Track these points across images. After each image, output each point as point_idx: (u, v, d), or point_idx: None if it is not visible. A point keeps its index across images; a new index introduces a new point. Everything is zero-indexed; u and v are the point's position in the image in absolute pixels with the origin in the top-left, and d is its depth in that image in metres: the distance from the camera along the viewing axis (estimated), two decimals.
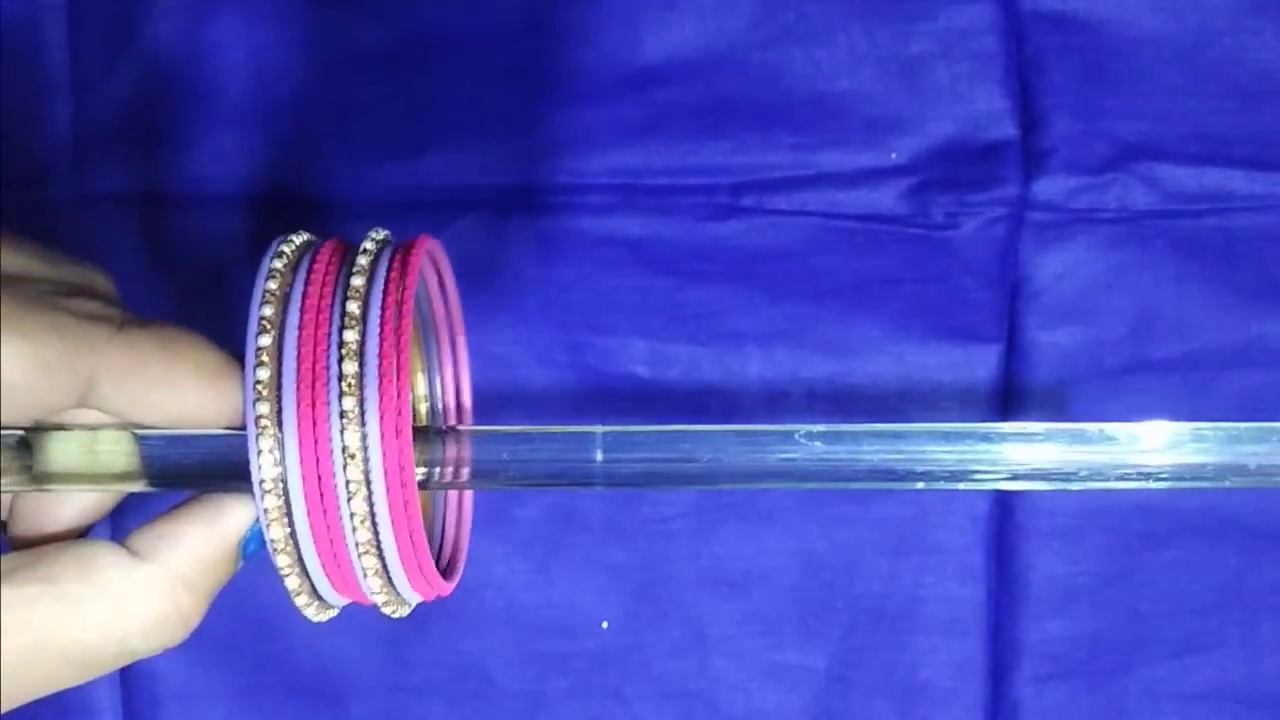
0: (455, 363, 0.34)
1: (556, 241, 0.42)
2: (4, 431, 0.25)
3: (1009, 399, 0.42)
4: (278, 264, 0.26)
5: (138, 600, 0.24)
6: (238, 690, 0.42)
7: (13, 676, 0.23)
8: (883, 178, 0.42)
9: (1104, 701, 0.42)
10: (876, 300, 0.42)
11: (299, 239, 0.27)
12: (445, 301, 0.33)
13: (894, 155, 0.42)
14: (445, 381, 0.34)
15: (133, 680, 0.42)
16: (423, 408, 0.34)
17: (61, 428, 0.25)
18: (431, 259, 0.31)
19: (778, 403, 0.42)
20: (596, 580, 0.43)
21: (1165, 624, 0.42)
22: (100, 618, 0.24)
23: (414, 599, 0.28)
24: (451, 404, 0.34)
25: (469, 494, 0.33)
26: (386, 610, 0.27)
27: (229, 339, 0.42)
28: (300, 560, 0.25)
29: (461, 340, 0.34)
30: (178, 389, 0.25)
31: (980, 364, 0.42)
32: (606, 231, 0.42)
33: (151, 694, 0.42)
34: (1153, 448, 0.26)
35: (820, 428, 0.26)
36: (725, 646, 0.43)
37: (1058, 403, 0.42)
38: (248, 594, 0.41)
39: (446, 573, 0.31)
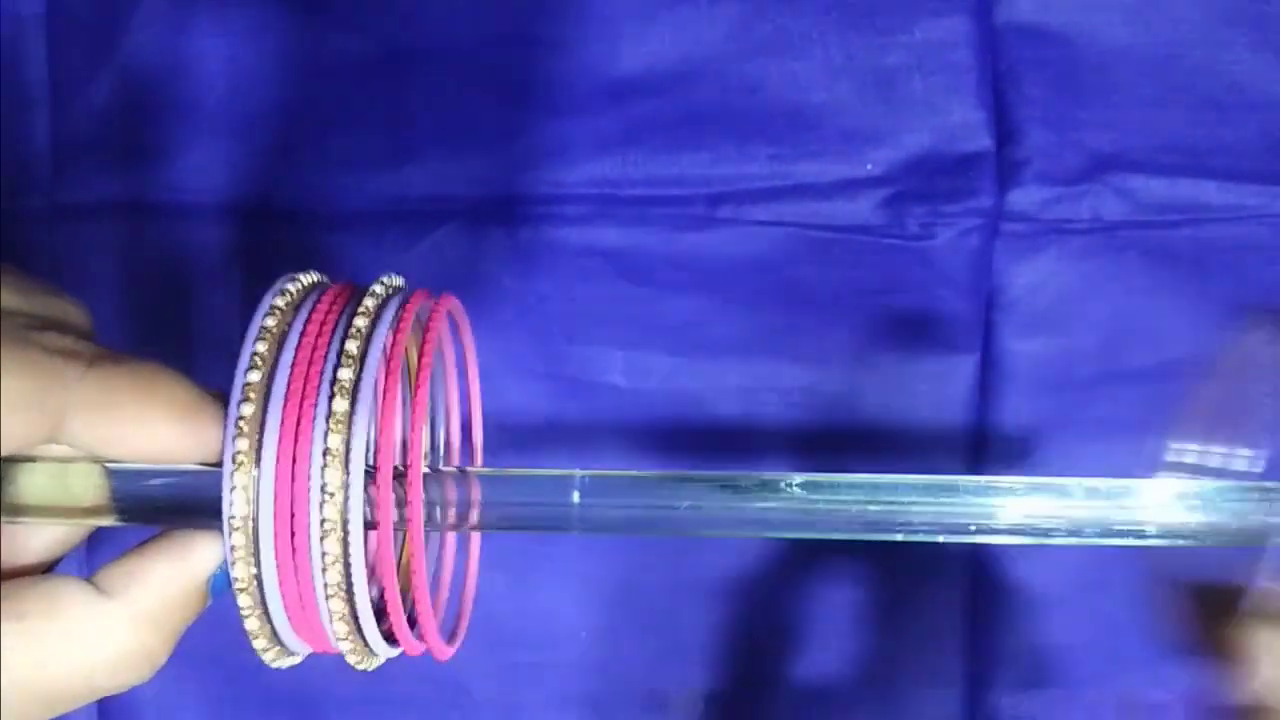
0: (461, 407, 0.33)
1: (535, 251, 0.42)
2: None
3: (984, 408, 0.42)
4: (279, 301, 0.26)
5: (104, 638, 0.24)
6: (213, 701, 0.42)
7: None
8: (859, 189, 0.42)
9: (1080, 710, 0.43)
10: (852, 310, 0.42)
11: (306, 279, 0.27)
12: (458, 348, 0.32)
13: (870, 167, 0.42)
14: (450, 425, 0.33)
15: None
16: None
17: (31, 459, 0.25)
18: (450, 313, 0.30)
19: (754, 412, 0.42)
20: (574, 590, 0.43)
21: (1141, 633, 0.42)
22: (66, 656, 0.24)
23: (382, 650, 0.27)
24: (456, 445, 0.33)
25: (475, 554, 0.33)
26: (352, 660, 0.27)
27: (204, 349, 0.42)
28: (263, 601, 0.25)
29: (474, 386, 0.33)
30: (150, 426, 0.24)
31: (955, 373, 0.42)
32: (585, 242, 0.42)
33: (127, 704, 0.42)
34: (1138, 505, 0.26)
35: (800, 477, 0.26)
36: (703, 655, 0.43)
37: (1032, 412, 0.42)
38: (223, 606, 0.40)
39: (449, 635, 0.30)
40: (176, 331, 0.43)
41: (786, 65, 0.42)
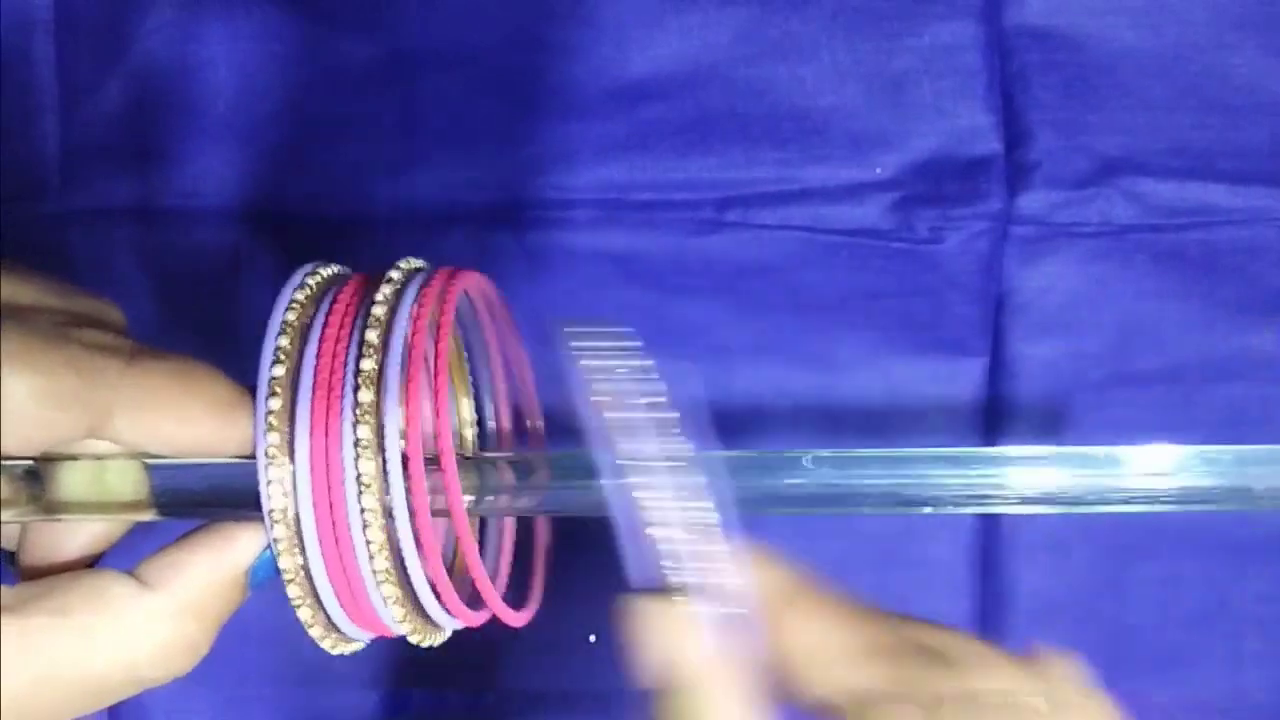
0: (510, 388, 0.33)
1: (543, 256, 0.42)
2: (14, 462, 0.25)
3: (994, 412, 0.42)
4: (299, 295, 0.26)
5: (146, 630, 0.24)
6: (223, 702, 0.42)
7: (24, 707, 0.23)
8: (867, 193, 0.42)
9: None
10: (861, 314, 0.42)
11: (326, 271, 0.27)
12: (496, 327, 0.32)
13: (878, 170, 0.42)
14: (499, 407, 0.33)
15: None
16: (468, 432, 0.33)
17: (71, 457, 0.25)
18: (473, 290, 0.30)
19: (763, 416, 0.42)
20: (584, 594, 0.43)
21: (1150, 637, 0.42)
22: (110, 648, 0.24)
23: (448, 623, 0.27)
24: (506, 428, 0.33)
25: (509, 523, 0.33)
26: (415, 639, 0.27)
27: (216, 353, 0.42)
28: (314, 591, 0.25)
29: (522, 365, 0.33)
30: (189, 421, 0.25)
31: (965, 377, 0.42)
32: (592, 246, 0.42)
33: (136, 706, 0.42)
34: (1159, 471, 0.26)
35: (827, 453, 0.26)
36: None
37: (1042, 415, 0.42)
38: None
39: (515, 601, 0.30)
40: (185, 336, 0.43)
41: (794, 69, 0.42)
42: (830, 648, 0.27)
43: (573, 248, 0.42)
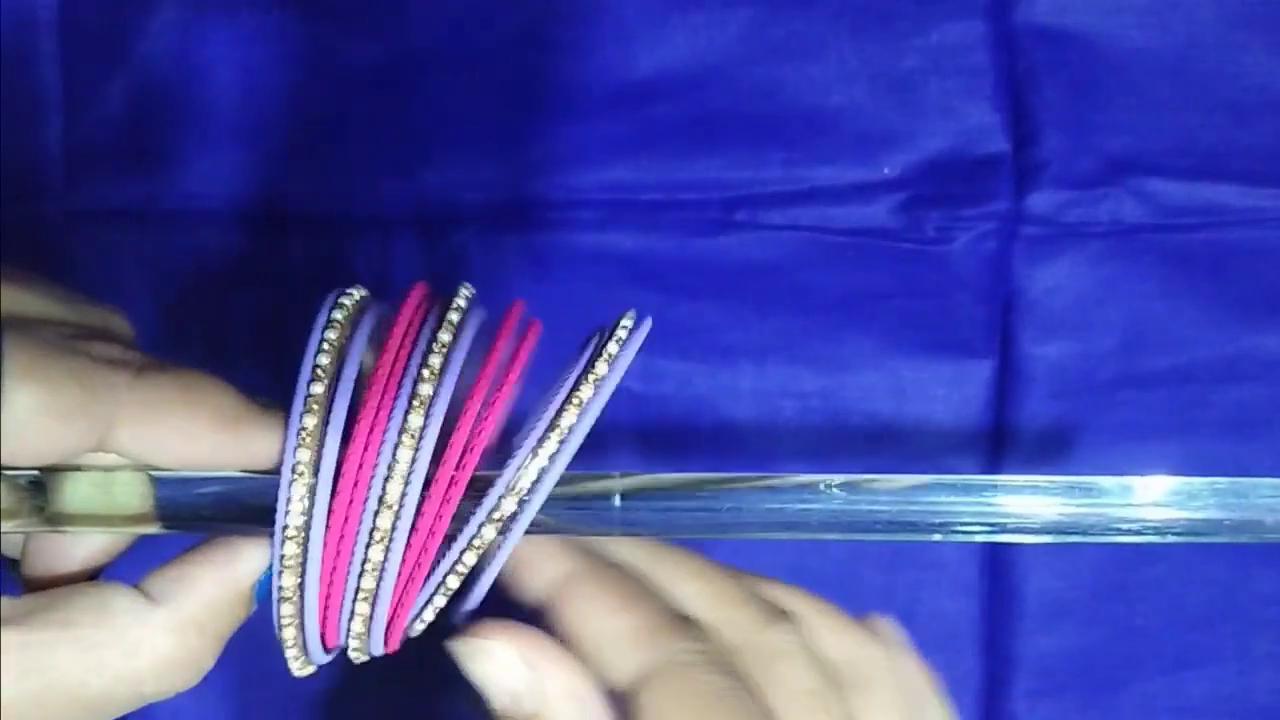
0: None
1: (549, 257, 0.42)
2: (18, 472, 0.25)
3: (1001, 412, 0.42)
4: (338, 315, 0.26)
5: (150, 644, 0.24)
6: (230, 710, 0.42)
7: (25, 719, 0.23)
8: (875, 193, 0.42)
9: (1098, 716, 0.42)
10: (868, 315, 0.42)
11: (358, 294, 0.27)
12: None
13: (886, 170, 0.42)
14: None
15: None
16: None
17: (76, 469, 0.25)
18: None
19: (770, 417, 0.42)
20: None
21: (1159, 638, 0.42)
22: (113, 662, 0.24)
23: (379, 650, 0.27)
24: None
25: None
26: (355, 656, 0.27)
27: (217, 355, 0.42)
28: (302, 611, 0.25)
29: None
30: (196, 435, 0.25)
31: (973, 378, 0.42)
32: (599, 247, 0.42)
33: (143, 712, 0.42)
34: (1169, 502, 0.26)
35: (840, 478, 0.26)
36: None
37: (1050, 416, 0.42)
38: None
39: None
40: (187, 337, 0.42)
41: (801, 69, 0.42)
42: (613, 632, 0.26)
43: (579, 248, 0.42)
